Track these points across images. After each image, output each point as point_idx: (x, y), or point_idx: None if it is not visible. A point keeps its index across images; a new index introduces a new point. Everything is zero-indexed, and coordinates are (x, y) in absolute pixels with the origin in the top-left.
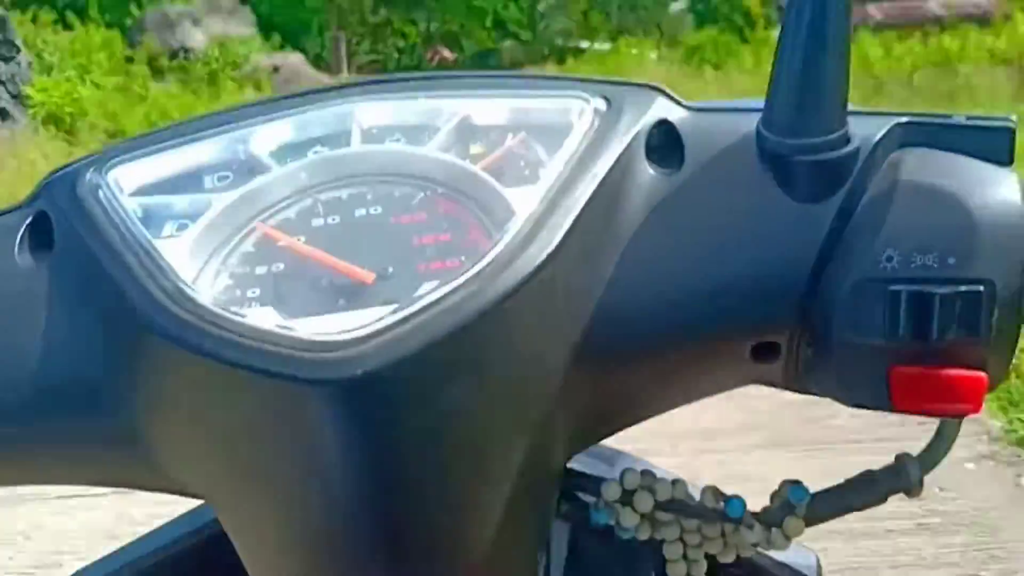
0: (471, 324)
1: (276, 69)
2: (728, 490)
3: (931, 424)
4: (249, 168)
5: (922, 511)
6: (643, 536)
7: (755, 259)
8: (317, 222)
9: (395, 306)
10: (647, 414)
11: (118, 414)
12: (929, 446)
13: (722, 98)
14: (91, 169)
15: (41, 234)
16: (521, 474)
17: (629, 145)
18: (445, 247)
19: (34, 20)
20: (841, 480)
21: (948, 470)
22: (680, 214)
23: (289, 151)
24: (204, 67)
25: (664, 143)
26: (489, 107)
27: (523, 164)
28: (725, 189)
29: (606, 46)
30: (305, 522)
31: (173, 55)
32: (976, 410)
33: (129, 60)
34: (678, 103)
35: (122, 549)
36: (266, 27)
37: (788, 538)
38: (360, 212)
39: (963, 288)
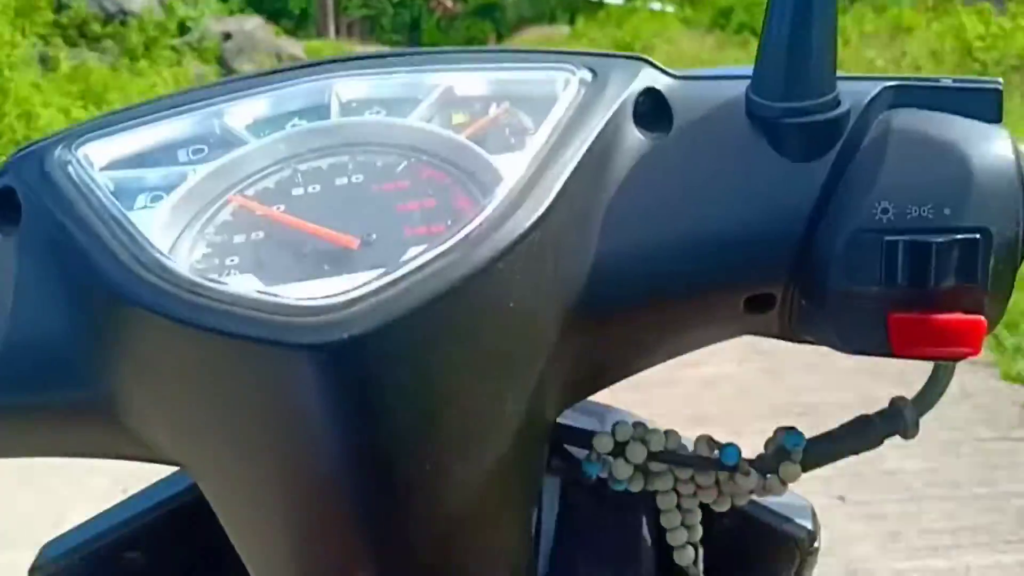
0: (460, 287)
1: (227, 36)
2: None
3: None
4: (225, 141)
5: None
6: (636, 488)
7: (747, 214)
8: (297, 191)
9: (381, 270)
10: (639, 368)
11: (93, 385)
12: (924, 389)
13: None
14: (60, 146)
15: (6, 210)
16: (510, 433)
17: (616, 112)
18: (430, 212)
19: None
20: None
21: None
22: (670, 174)
23: (266, 124)
24: (140, 34)
25: (652, 110)
26: (471, 79)
27: (508, 132)
28: (715, 150)
29: (620, 0)
30: (290, 486)
31: (108, 19)
32: (976, 352)
33: (58, 26)
34: (665, 72)
35: (97, 517)
36: None
37: (784, 484)
38: (341, 181)
39: (960, 237)
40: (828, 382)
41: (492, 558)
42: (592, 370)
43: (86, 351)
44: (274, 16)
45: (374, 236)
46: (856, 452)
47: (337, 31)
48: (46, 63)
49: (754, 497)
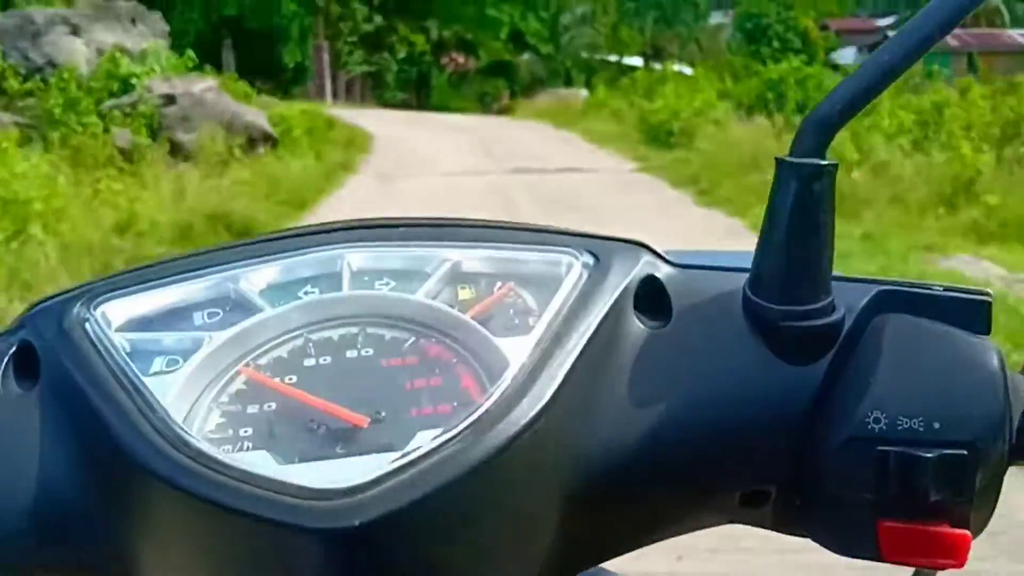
0: (467, 475)
1: (170, 100)
2: None
3: None
4: (240, 307)
5: None
6: None
7: (744, 415)
8: (309, 362)
9: (391, 455)
10: (634, 547)
11: (102, 546)
12: None
13: None
14: (78, 303)
15: (26, 364)
16: None
17: (618, 299)
18: (437, 392)
19: None
20: None
21: None
22: (669, 369)
23: (280, 291)
24: (60, 95)
25: (651, 298)
26: (478, 256)
27: (512, 313)
28: (714, 347)
29: (637, 62)
30: None
31: (30, 74)
32: (960, 565)
33: None
34: (664, 259)
35: None
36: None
37: None
38: (351, 354)
39: (948, 452)
40: None
41: None
42: (588, 549)
43: (98, 512)
44: (267, 71)
45: (383, 414)
46: None
47: (335, 90)
48: None
49: None
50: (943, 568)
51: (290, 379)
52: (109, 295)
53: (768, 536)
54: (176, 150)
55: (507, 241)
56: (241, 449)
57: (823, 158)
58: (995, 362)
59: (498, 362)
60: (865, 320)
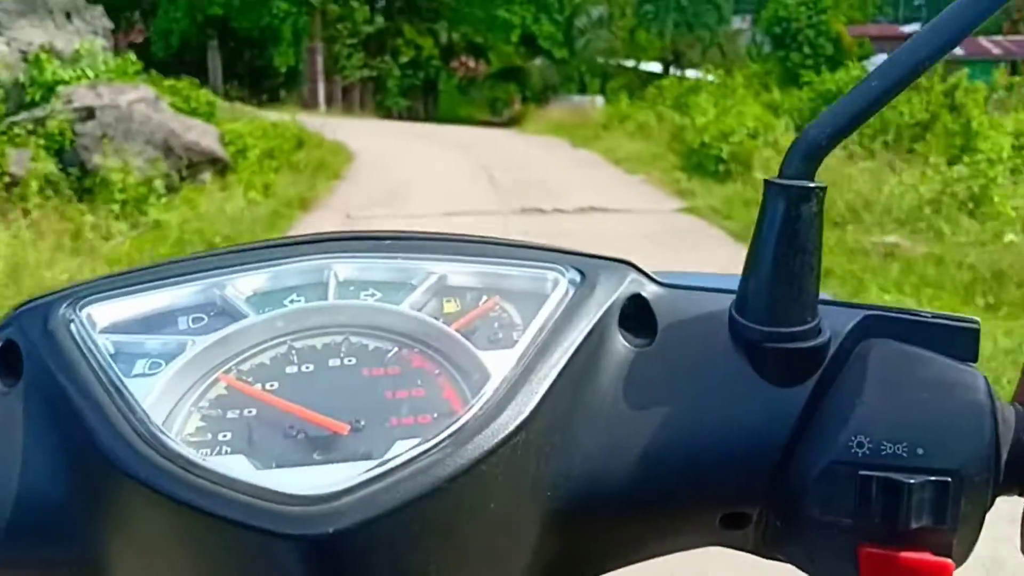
0: (444, 485)
1: (88, 114)
2: None
3: None
4: (225, 313)
5: None
6: None
7: (727, 436)
8: (291, 369)
9: (369, 463)
10: (612, 567)
11: (78, 546)
12: None
13: None
14: (64, 304)
15: (9, 362)
16: None
17: (602, 316)
18: (418, 403)
19: None
20: None
21: None
22: (652, 387)
23: (265, 299)
24: None
25: (637, 316)
26: (464, 270)
27: (497, 326)
28: (698, 366)
29: (656, 68)
30: None
31: None
32: None
33: None
34: (650, 278)
35: None
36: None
37: None
38: (334, 362)
39: (932, 478)
40: None
41: None
42: (566, 568)
43: (74, 512)
44: (257, 76)
45: (363, 423)
46: None
47: (330, 97)
48: None
49: None
50: None
51: (271, 386)
52: (95, 297)
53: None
54: (85, 180)
55: (494, 256)
56: (219, 453)
57: (812, 180)
58: (982, 389)
59: (480, 375)
60: (851, 344)
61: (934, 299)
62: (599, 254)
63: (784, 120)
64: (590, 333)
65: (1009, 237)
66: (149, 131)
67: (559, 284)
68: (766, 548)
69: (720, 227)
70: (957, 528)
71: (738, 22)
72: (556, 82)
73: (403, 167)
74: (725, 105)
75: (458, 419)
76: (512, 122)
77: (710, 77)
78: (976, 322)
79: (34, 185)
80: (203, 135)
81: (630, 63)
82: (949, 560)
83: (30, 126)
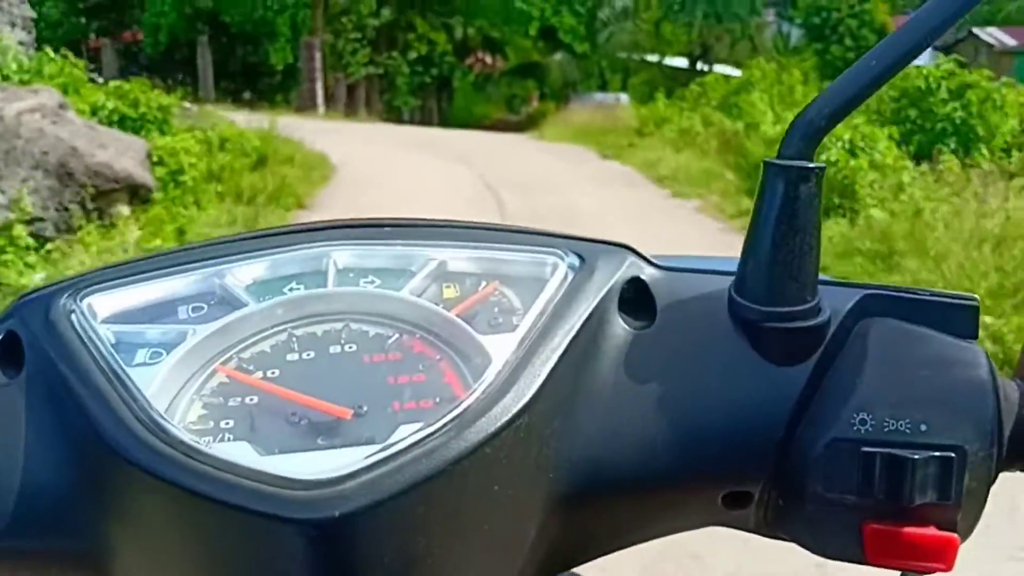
0: (448, 468)
1: None
2: None
3: None
4: (225, 302)
5: None
6: None
7: (728, 415)
8: (292, 357)
9: (372, 447)
10: (615, 548)
11: (81, 536)
12: None
13: None
14: (65, 294)
15: (10, 354)
16: None
17: (602, 300)
18: (420, 388)
19: None
20: None
21: None
22: (653, 369)
23: (265, 287)
24: None
25: (636, 300)
26: (464, 255)
27: (497, 311)
28: (698, 347)
29: (681, 63)
30: None
31: None
32: (948, 569)
33: None
34: (649, 262)
35: None
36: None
37: None
38: (335, 349)
39: (936, 454)
40: None
41: None
42: (569, 549)
43: (79, 501)
44: (251, 75)
45: (365, 408)
46: None
47: (330, 97)
48: None
49: None
50: (930, 572)
51: (272, 373)
52: (96, 288)
53: None
54: None
55: (493, 241)
56: (222, 440)
57: (811, 161)
58: (984, 366)
59: (481, 359)
60: (851, 323)
61: None
62: (597, 238)
63: (888, 129)
64: (590, 316)
65: None
66: (40, 151)
67: (558, 268)
68: (769, 527)
69: None
70: (961, 503)
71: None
72: (576, 79)
73: (392, 189)
74: (777, 105)
75: (460, 403)
76: (529, 123)
77: (735, 72)
78: (975, 299)
79: None
80: (121, 154)
81: (653, 58)
82: (954, 535)
83: None
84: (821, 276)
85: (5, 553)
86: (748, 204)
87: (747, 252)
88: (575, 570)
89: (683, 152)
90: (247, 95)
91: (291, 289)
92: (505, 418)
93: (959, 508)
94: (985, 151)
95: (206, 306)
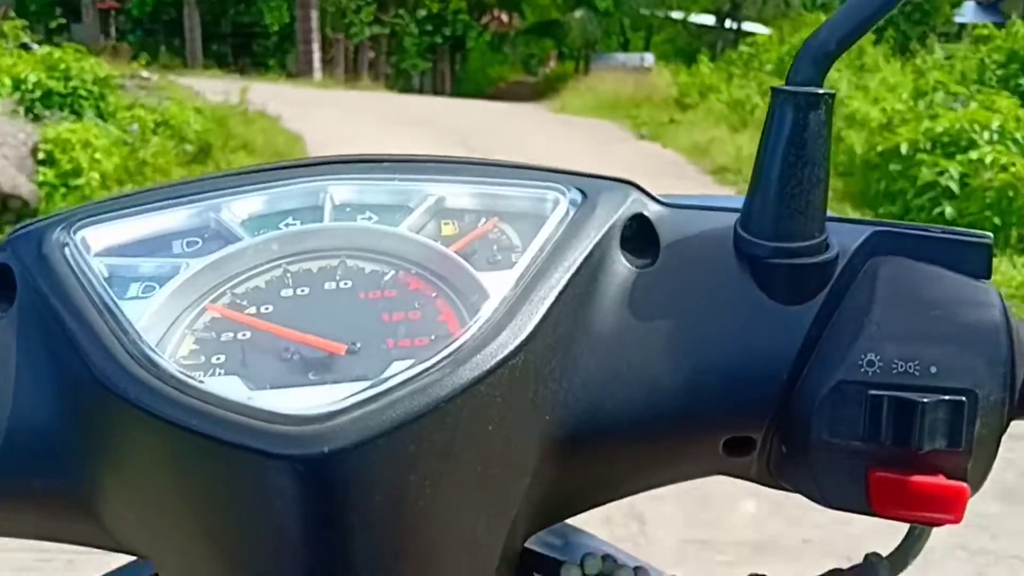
0: (440, 406)
1: None
2: None
3: None
4: (219, 236)
5: None
6: None
7: (731, 355)
8: (286, 292)
9: (364, 383)
10: (611, 498)
11: (70, 471)
12: (899, 547)
13: None
14: (59, 227)
15: (2, 288)
16: (482, 554)
17: (604, 236)
18: (415, 325)
19: None
20: None
21: None
22: (655, 307)
23: (260, 222)
24: None
25: (639, 236)
26: (463, 191)
27: (496, 248)
28: (701, 285)
29: (708, 20)
30: None
31: None
32: (957, 520)
33: None
34: (653, 198)
35: None
36: None
37: None
38: (330, 285)
39: (945, 398)
40: None
41: None
42: (564, 496)
43: (68, 436)
44: (244, 37)
45: (359, 345)
46: None
47: (329, 61)
48: None
49: None
50: (938, 523)
51: (266, 309)
52: (90, 221)
53: None
54: None
55: (493, 177)
56: (212, 375)
57: (820, 87)
58: (997, 306)
59: (478, 296)
60: (860, 261)
61: None
62: (600, 174)
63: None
64: (591, 253)
65: None
66: None
67: (559, 204)
68: (771, 476)
69: None
70: (972, 450)
71: None
72: (598, 37)
73: None
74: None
75: (455, 340)
76: (547, 89)
77: (763, 29)
78: (989, 237)
79: None
80: None
81: (678, 15)
82: (964, 484)
83: None
84: (830, 213)
85: None
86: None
87: (753, 186)
88: (569, 521)
89: (743, 133)
90: (241, 60)
91: (287, 224)
92: (500, 356)
93: (969, 455)
94: None
95: (200, 240)
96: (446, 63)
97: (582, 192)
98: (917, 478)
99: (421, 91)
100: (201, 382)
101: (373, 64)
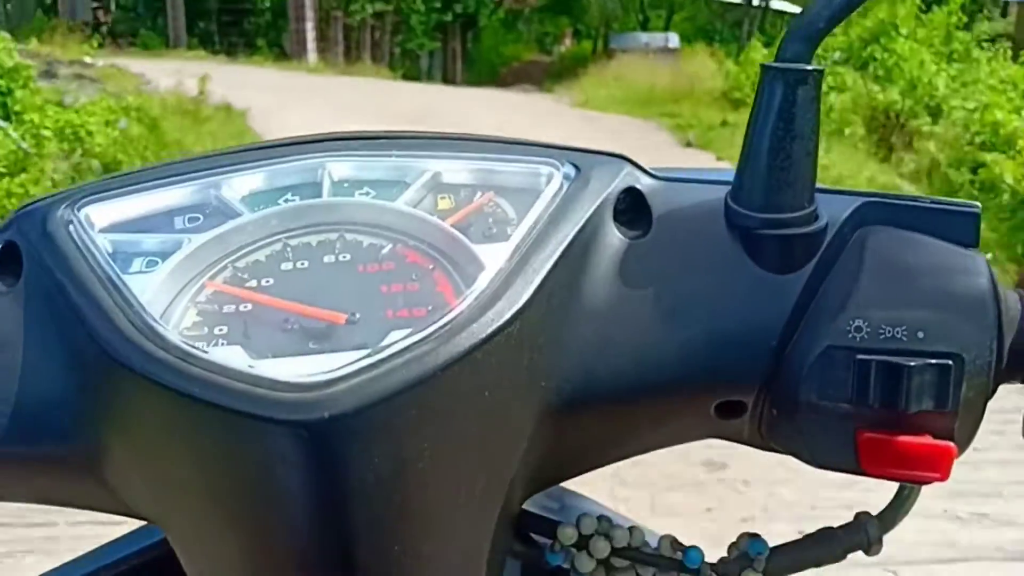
0: (439, 373)
1: None
2: None
3: None
4: (220, 212)
5: None
6: None
7: (722, 323)
8: (286, 266)
9: (364, 351)
10: (606, 461)
11: (78, 439)
12: (889, 506)
13: None
14: (63, 204)
15: (9, 264)
16: (479, 517)
17: (597, 209)
18: (413, 296)
19: None
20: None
21: None
22: (648, 277)
23: (260, 198)
24: None
25: (632, 209)
26: (459, 166)
27: (491, 222)
28: (693, 255)
29: None
30: (261, 554)
31: None
32: (944, 478)
33: None
34: (646, 172)
35: (65, 566)
36: None
37: None
38: (329, 259)
39: (933, 361)
40: None
41: None
42: (560, 460)
43: (76, 407)
44: (234, 15)
45: (358, 315)
46: (819, 564)
47: (323, 40)
48: None
49: None
50: (926, 481)
51: (267, 282)
52: (93, 198)
53: None
54: None
55: (488, 152)
56: (215, 345)
57: (809, 63)
58: (984, 272)
59: (475, 267)
60: (849, 231)
61: None
62: (594, 149)
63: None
64: (584, 226)
65: None
66: None
67: (553, 178)
68: (763, 438)
69: None
70: (959, 412)
71: None
72: (618, 15)
73: None
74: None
75: (452, 310)
76: (564, 71)
77: (793, 8)
78: (976, 206)
79: None
80: None
81: None
82: (950, 444)
83: None
84: (820, 185)
85: (2, 460)
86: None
87: (744, 159)
88: (564, 484)
89: (826, 144)
90: (228, 40)
91: (286, 200)
92: (496, 324)
93: (956, 416)
94: None
95: (202, 216)
96: (457, 42)
97: (576, 166)
98: (905, 438)
99: (430, 72)
100: (205, 352)
101: (376, 45)
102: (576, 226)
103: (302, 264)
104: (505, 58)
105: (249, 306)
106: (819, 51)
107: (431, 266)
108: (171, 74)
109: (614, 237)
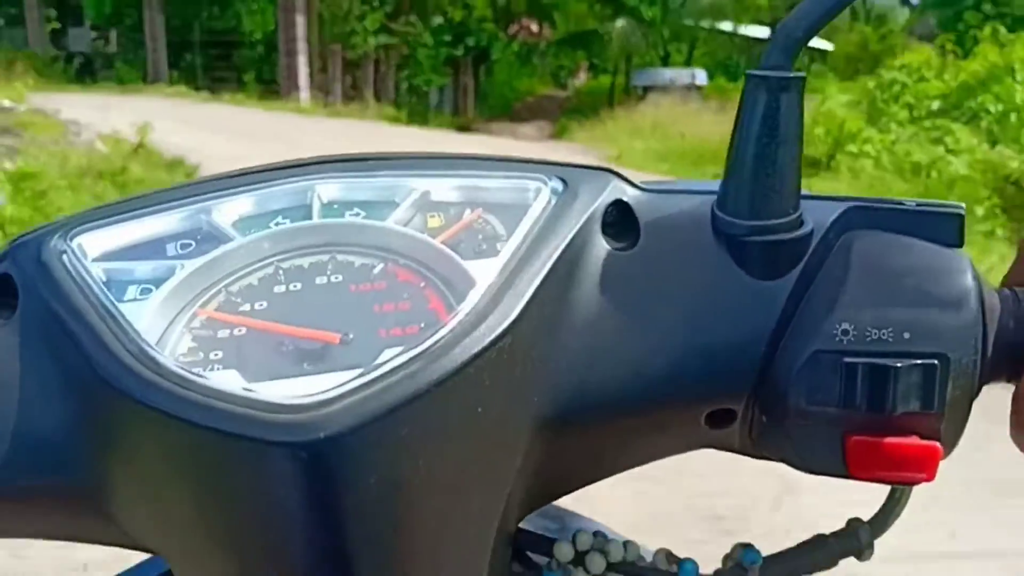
0: (432, 389)
1: None
2: None
3: None
4: (212, 237)
5: None
6: None
7: (710, 331)
8: (279, 288)
9: (358, 371)
10: (600, 475)
11: (78, 471)
12: (880, 511)
13: None
14: (56, 235)
15: (4, 296)
16: (476, 536)
17: (585, 222)
18: (405, 315)
19: None
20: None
21: None
22: (636, 287)
23: (251, 222)
24: None
25: (619, 221)
26: (447, 185)
27: (481, 238)
28: (681, 264)
29: (762, 32)
30: None
31: None
32: (930, 478)
33: None
34: (633, 185)
35: None
36: None
37: None
38: (321, 280)
39: (918, 362)
40: None
41: None
42: (555, 475)
43: (75, 438)
44: (221, 48)
45: (351, 335)
46: (812, 571)
47: (317, 74)
48: None
49: None
50: (913, 482)
51: (260, 305)
52: (86, 227)
53: None
54: None
55: (475, 170)
56: (211, 370)
57: (790, 71)
58: (968, 273)
59: (465, 284)
60: (834, 236)
61: None
62: (580, 164)
63: None
64: (573, 239)
65: None
66: None
67: (541, 193)
68: (753, 446)
69: None
70: (945, 412)
71: None
72: (641, 49)
73: None
74: None
75: (444, 326)
76: (581, 106)
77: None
78: (960, 207)
79: None
80: None
81: (726, 26)
82: (937, 444)
83: None
84: (805, 191)
85: (3, 491)
86: None
87: (729, 167)
88: (557, 503)
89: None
90: (211, 74)
91: (277, 223)
92: (488, 339)
93: (942, 417)
94: None
95: (194, 242)
96: (468, 76)
97: (563, 181)
98: (892, 440)
99: (440, 106)
100: (201, 377)
101: (380, 80)
102: (565, 240)
103: (295, 286)
104: (519, 92)
105: (243, 330)
106: (912, 99)
107: (422, 284)
108: (127, 113)
109: (602, 249)
